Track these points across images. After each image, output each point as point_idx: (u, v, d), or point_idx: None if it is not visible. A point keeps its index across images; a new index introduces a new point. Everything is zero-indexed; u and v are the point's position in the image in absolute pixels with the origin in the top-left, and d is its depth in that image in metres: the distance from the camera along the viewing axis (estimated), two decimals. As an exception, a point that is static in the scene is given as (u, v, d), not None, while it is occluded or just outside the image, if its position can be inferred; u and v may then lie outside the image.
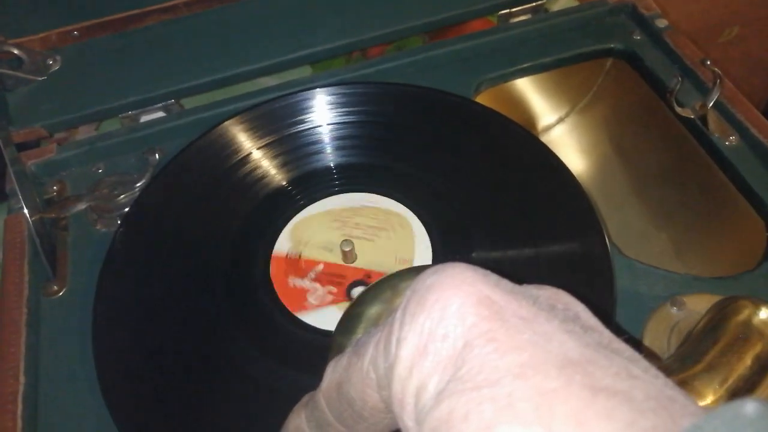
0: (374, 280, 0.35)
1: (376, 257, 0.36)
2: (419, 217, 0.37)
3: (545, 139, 0.54)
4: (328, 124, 0.42)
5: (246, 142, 0.41)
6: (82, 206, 0.40)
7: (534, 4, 0.52)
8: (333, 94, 0.43)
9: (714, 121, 0.42)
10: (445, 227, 0.37)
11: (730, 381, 0.24)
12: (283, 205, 0.39)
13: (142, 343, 0.33)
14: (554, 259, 0.35)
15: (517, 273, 0.16)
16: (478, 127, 0.42)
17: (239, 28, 0.50)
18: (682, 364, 0.25)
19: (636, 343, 0.15)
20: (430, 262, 0.36)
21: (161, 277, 0.36)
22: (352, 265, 0.36)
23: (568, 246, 0.35)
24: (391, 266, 0.36)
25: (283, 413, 0.20)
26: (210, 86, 0.47)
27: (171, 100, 0.47)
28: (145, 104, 0.46)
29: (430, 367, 0.13)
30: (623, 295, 0.34)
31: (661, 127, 0.47)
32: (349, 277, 0.35)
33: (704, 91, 0.43)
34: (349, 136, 0.41)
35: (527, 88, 0.53)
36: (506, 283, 0.15)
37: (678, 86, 0.43)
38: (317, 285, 0.35)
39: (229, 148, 0.41)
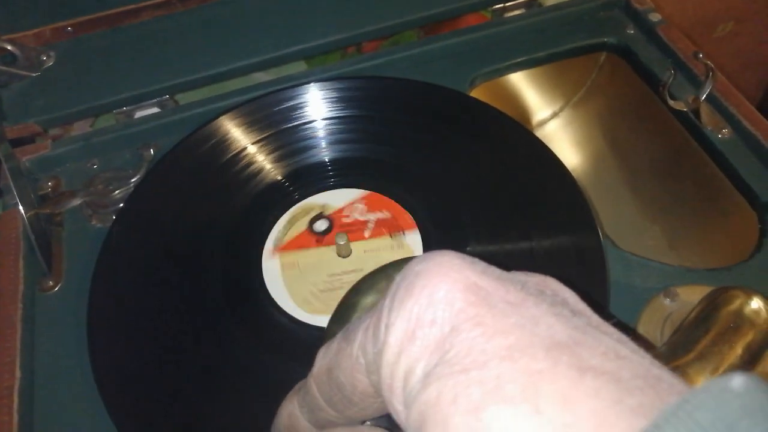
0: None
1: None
2: (412, 212, 0.37)
3: (539, 133, 0.54)
4: (323, 119, 0.42)
5: (240, 137, 0.41)
6: (76, 202, 0.40)
7: (528, -2, 0.52)
8: (327, 89, 0.43)
9: (707, 114, 0.43)
10: (439, 221, 0.37)
11: (722, 370, 0.24)
12: (277, 199, 0.39)
13: (138, 338, 0.33)
14: (548, 252, 0.35)
15: (511, 266, 0.16)
16: (473, 121, 0.42)
17: (233, 24, 0.49)
18: (674, 353, 0.25)
19: (624, 327, 0.15)
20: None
21: (156, 272, 0.36)
22: (348, 257, 0.36)
23: (562, 239, 0.35)
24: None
25: (278, 403, 0.20)
26: (204, 82, 0.47)
27: (165, 95, 0.47)
28: (140, 100, 0.46)
29: (418, 352, 0.14)
30: (617, 287, 0.34)
31: (654, 120, 0.47)
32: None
33: (697, 85, 0.44)
34: (343, 131, 0.41)
35: (521, 83, 0.53)
36: (494, 270, 0.15)
37: (671, 80, 0.44)
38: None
39: (223, 143, 0.41)
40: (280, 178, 0.40)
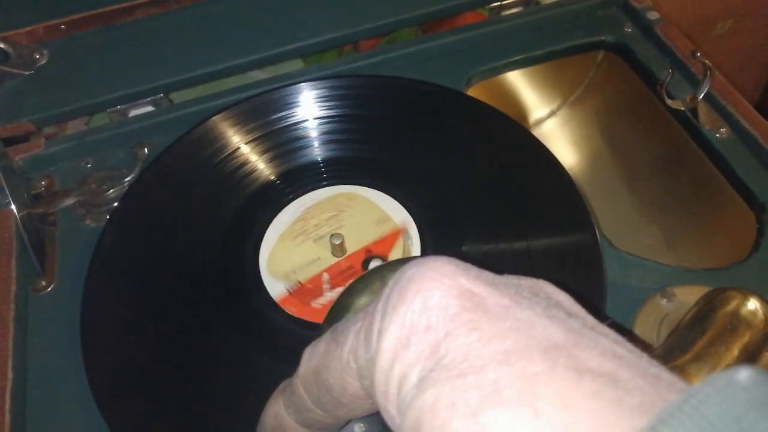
0: (375, 250, 0.35)
1: (358, 235, 0.36)
2: (408, 211, 0.37)
3: (537, 132, 0.54)
4: (316, 118, 0.42)
5: (235, 136, 0.41)
6: (70, 201, 0.40)
7: (525, -4, 0.52)
8: (321, 88, 0.43)
9: (704, 113, 0.42)
10: (435, 221, 0.37)
11: (718, 371, 0.24)
12: (271, 198, 0.38)
13: (131, 338, 0.33)
14: (545, 251, 0.35)
15: (507, 266, 0.16)
16: (469, 120, 0.42)
17: (229, 22, 0.49)
18: (671, 354, 0.25)
19: (619, 328, 0.15)
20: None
21: (150, 272, 0.35)
22: (346, 255, 0.36)
23: (558, 239, 0.35)
24: (375, 231, 0.36)
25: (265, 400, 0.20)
26: (199, 80, 0.47)
27: (160, 94, 0.46)
28: (134, 99, 0.46)
29: (413, 358, 0.13)
30: (613, 287, 0.34)
31: (652, 119, 0.47)
32: (355, 263, 0.35)
33: (695, 83, 0.43)
34: (338, 130, 0.41)
35: (519, 81, 0.52)
36: (487, 275, 0.15)
37: (669, 78, 0.43)
38: (338, 288, 0.34)
39: (218, 142, 0.40)
40: (273, 177, 0.39)
